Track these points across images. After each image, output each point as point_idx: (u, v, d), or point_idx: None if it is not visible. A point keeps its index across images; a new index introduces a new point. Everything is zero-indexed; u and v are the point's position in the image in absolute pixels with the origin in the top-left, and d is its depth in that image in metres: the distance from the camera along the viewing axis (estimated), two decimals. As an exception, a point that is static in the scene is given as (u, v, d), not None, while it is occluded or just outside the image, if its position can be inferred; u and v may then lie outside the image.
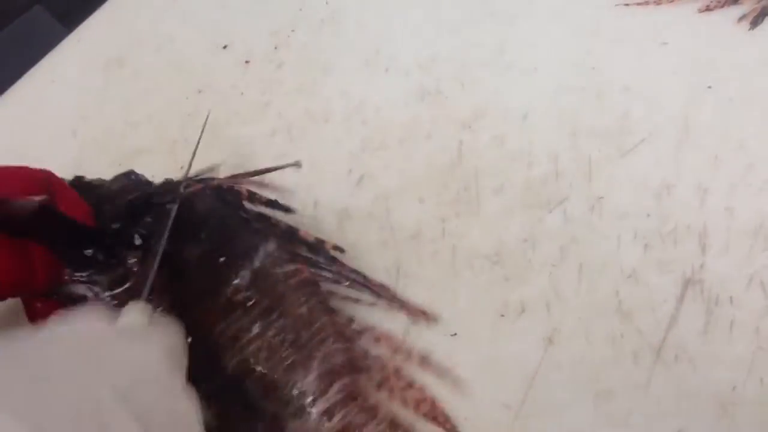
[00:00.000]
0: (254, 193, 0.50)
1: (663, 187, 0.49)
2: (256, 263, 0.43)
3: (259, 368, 0.39)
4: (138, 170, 0.49)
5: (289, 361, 0.40)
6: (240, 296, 0.42)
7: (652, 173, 0.50)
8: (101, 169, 0.52)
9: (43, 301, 0.42)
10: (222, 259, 0.43)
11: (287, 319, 0.41)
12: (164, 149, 0.61)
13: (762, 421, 0.40)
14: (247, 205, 0.49)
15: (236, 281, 0.42)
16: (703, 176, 0.49)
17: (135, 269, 0.43)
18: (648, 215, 0.48)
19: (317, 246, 0.47)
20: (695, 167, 0.50)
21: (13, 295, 0.41)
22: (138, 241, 0.43)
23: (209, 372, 0.39)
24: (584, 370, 0.44)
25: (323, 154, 0.57)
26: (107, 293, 0.42)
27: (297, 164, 0.53)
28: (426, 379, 0.44)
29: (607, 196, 0.50)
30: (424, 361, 0.45)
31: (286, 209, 0.50)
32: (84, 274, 0.42)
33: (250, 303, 0.41)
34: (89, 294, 0.42)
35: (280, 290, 0.42)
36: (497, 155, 0.54)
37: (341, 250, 0.48)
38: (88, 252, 0.42)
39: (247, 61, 0.66)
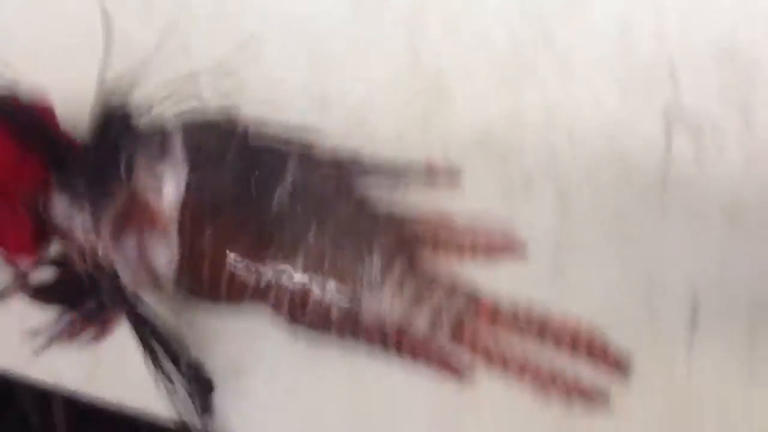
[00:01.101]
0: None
1: (622, 26, 0.49)
2: (288, 177, 0.44)
3: (328, 260, 0.43)
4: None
5: (352, 247, 0.44)
6: (287, 201, 0.44)
7: (608, 15, 0.50)
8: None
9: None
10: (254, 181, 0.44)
11: (338, 213, 0.45)
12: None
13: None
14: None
15: (278, 193, 0.44)
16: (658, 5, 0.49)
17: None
18: (615, 57, 0.49)
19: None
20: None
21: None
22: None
23: None
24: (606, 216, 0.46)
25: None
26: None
27: None
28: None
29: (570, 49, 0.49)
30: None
31: None
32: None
33: (299, 207, 0.44)
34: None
35: (320, 194, 0.45)
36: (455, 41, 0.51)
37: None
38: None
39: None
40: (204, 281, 0.44)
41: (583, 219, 0.46)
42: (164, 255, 0.44)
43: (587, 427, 0.44)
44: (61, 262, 0.45)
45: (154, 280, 0.45)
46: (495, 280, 0.46)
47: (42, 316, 0.47)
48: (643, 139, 0.47)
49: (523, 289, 0.45)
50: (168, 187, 0.42)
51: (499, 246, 0.45)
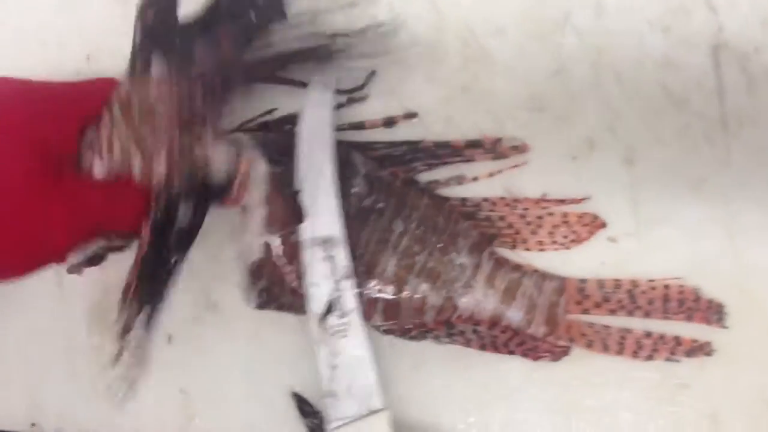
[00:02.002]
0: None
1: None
2: (361, 170, 0.43)
3: (418, 260, 0.42)
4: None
5: (439, 246, 0.43)
6: (367, 202, 0.42)
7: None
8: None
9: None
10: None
11: (419, 211, 0.43)
12: None
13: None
14: None
15: (355, 190, 0.43)
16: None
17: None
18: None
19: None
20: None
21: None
22: None
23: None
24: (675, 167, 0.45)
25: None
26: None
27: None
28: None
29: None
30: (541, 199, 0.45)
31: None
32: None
33: (380, 205, 0.43)
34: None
35: (396, 188, 0.43)
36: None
37: (412, 116, 0.46)
38: None
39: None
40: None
41: (653, 172, 0.45)
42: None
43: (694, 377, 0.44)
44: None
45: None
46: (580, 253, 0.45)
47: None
48: (694, 76, 0.46)
49: (611, 254, 0.44)
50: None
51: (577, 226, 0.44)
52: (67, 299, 0.47)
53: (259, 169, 0.42)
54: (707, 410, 0.43)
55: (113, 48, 0.49)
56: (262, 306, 0.43)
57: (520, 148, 0.45)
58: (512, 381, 0.44)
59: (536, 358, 0.43)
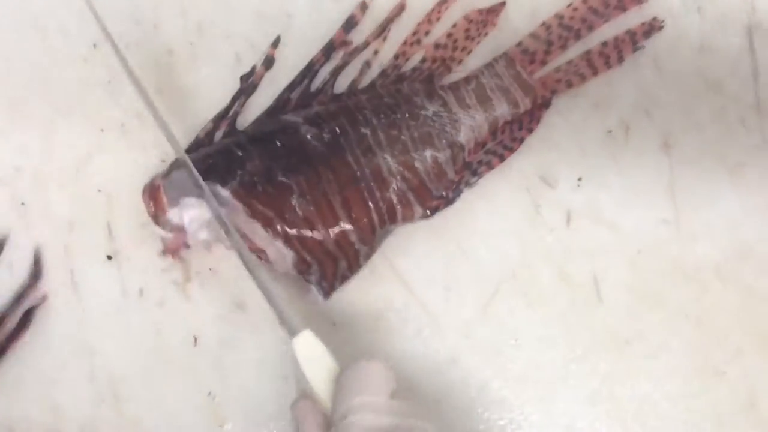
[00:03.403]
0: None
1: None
2: (299, 119, 0.43)
3: (404, 138, 0.43)
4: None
5: (407, 115, 0.44)
6: (327, 136, 0.42)
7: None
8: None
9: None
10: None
11: (367, 108, 0.44)
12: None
13: None
14: None
15: (309, 136, 0.42)
16: None
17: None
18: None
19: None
20: None
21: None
22: None
23: None
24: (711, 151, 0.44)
25: None
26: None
27: None
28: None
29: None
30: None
31: None
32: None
33: (337, 129, 0.43)
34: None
35: (332, 109, 0.44)
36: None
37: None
38: None
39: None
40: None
41: (690, 157, 0.44)
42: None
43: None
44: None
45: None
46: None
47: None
48: (729, 59, 0.45)
49: (648, 240, 0.44)
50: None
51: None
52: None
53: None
54: (744, 397, 0.42)
55: (121, 34, 0.46)
56: (329, 292, 0.42)
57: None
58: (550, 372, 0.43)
59: (535, 126, 0.45)
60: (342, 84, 0.46)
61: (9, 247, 0.45)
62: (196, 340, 0.44)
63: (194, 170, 0.41)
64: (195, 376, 0.44)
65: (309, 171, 0.42)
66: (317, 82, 0.45)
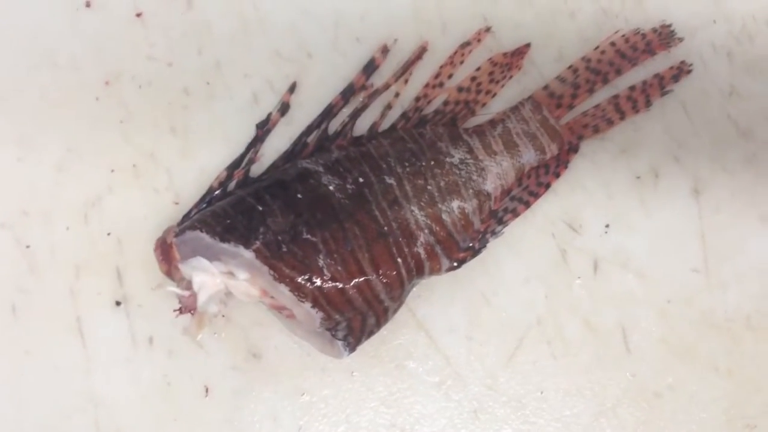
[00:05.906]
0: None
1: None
2: (319, 168, 0.41)
3: (430, 189, 0.42)
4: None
5: (432, 163, 0.42)
6: (350, 186, 0.41)
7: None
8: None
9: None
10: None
11: (390, 155, 0.42)
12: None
13: None
14: None
15: (331, 187, 0.40)
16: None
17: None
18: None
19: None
20: None
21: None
22: None
23: None
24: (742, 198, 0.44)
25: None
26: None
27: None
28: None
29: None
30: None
31: None
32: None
33: (360, 179, 0.41)
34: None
35: (353, 155, 0.42)
36: None
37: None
38: None
39: None
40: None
41: (720, 203, 0.43)
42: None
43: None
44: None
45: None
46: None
47: None
48: (759, 104, 0.45)
49: (677, 290, 0.43)
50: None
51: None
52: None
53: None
54: (776, 450, 0.41)
55: (134, 73, 0.45)
56: (354, 347, 0.40)
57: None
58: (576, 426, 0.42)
59: (563, 171, 0.44)
60: (361, 127, 0.44)
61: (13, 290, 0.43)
62: (207, 390, 0.42)
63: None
64: (207, 430, 0.42)
65: (334, 226, 0.39)
66: (335, 124, 0.44)
